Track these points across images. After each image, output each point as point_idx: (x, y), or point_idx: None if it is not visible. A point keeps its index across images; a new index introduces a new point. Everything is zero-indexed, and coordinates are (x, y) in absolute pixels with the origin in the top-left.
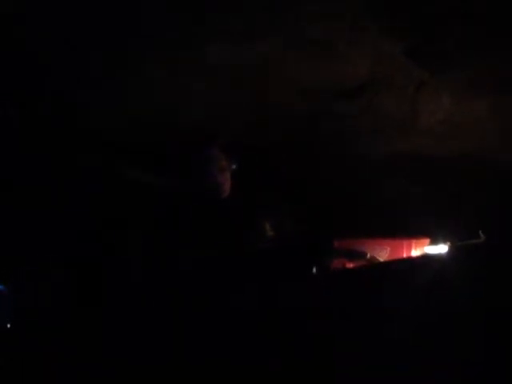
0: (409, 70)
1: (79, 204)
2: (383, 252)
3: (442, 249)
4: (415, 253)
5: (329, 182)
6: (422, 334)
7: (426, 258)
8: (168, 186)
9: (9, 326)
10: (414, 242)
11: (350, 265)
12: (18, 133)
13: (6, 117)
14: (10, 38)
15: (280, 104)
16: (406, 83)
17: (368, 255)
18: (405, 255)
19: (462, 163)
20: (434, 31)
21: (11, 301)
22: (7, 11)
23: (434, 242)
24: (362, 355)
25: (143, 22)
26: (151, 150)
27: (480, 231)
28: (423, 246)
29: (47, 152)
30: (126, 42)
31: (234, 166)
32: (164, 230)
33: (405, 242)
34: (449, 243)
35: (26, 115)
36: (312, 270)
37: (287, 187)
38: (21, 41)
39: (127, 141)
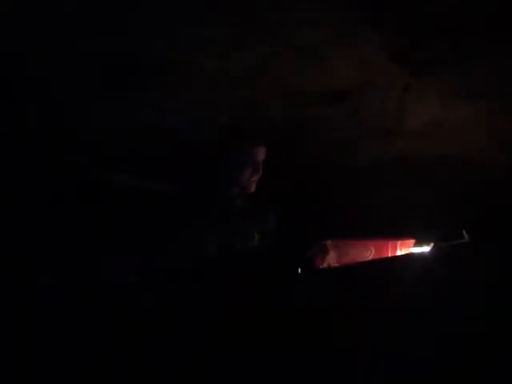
0: (396, 73)
1: (76, 207)
2: (368, 253)
3: (426, 250)
4: (400, 253)
5: (313, 185)
6: (405, 333)
7: (408, 256)
8: (168, 190)
9: None
10: (399, 242)
11: (336, 264)
12: (11, 134)
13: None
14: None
15: (266, 112)
16: (393, 86)
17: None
18: (390, 256)
19: (448, 165)
20: (421, 36)
21: None
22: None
23: (419, 243)
24: (349, 354)
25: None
26: (151, 155)
27: (464, 231)
28: (408, 247)
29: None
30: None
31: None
32: (162, 231)
33: (390, 243)
34: (433, 244)
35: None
36: (297, 270)
37: (274, 190)
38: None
39: (125, 147)
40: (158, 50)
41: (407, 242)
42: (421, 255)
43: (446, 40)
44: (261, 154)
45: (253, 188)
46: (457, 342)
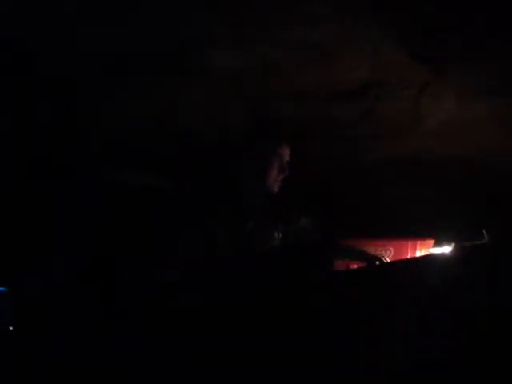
0: (411, 71)
1: (81, 205)
2: (387, 253)
3: (446, 250)
4: (420, 254)
5: (332, 184)
6: (426, 334)
7: (430, 257)
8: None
9: (11, 328)
10: (418, 243)
11: (354, 265)
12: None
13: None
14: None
15: (278, 108)
16: (409, 85)
17: (377, 260)
18: (409, 256)
19: (464, 164)
20: (436, 33)
21: (12, 302)
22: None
23: (438, 243)
24: (366, 354)
25: (143, 30)
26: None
27: (484, 231)
28: (428, 247)
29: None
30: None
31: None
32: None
33: (409, 243)
34: (454, 244)
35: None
36: (315, 270)
37: (291, 189)
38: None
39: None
40: (158, 49)
41: (427, 241)
42: (444, 256)
43: (459, 37)
44: (287, 153)
45: (277, 188)
46: (481, 343)
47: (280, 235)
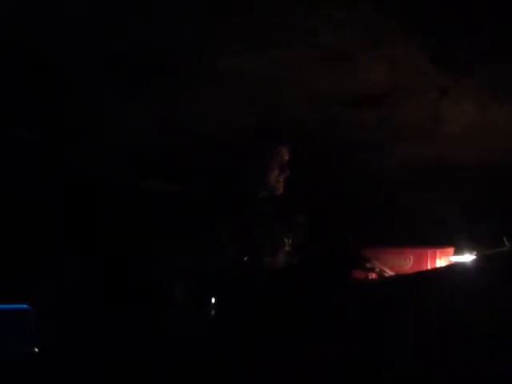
0: (431, 76)
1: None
2: (406, 262)
3: (467, 258)
4: (440, 262)
5: (348, 192)
6: (447, 344)
7: (452, 267)
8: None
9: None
10: (438, 251)
11: (373, 275)
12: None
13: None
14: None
15: (293, 114)
16: (428, 90)
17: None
18: (429, 265)
19: (485, 170)
20: (455, 37)
21: (37, 321)
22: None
23: (459, 251)
24: (387, 364)
25: (157, 36)
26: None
27: (505, 238)
28: (448, 255)
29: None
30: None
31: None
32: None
33: (429, 252)
34: (475, 252)
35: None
36: (336, 282)
37: (302, 198)
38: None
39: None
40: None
41: (446, 249)
42: (467, 265)
43: (478, 41)
44: (286, 153)
45: (280, 189)
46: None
47: (290, 241)
